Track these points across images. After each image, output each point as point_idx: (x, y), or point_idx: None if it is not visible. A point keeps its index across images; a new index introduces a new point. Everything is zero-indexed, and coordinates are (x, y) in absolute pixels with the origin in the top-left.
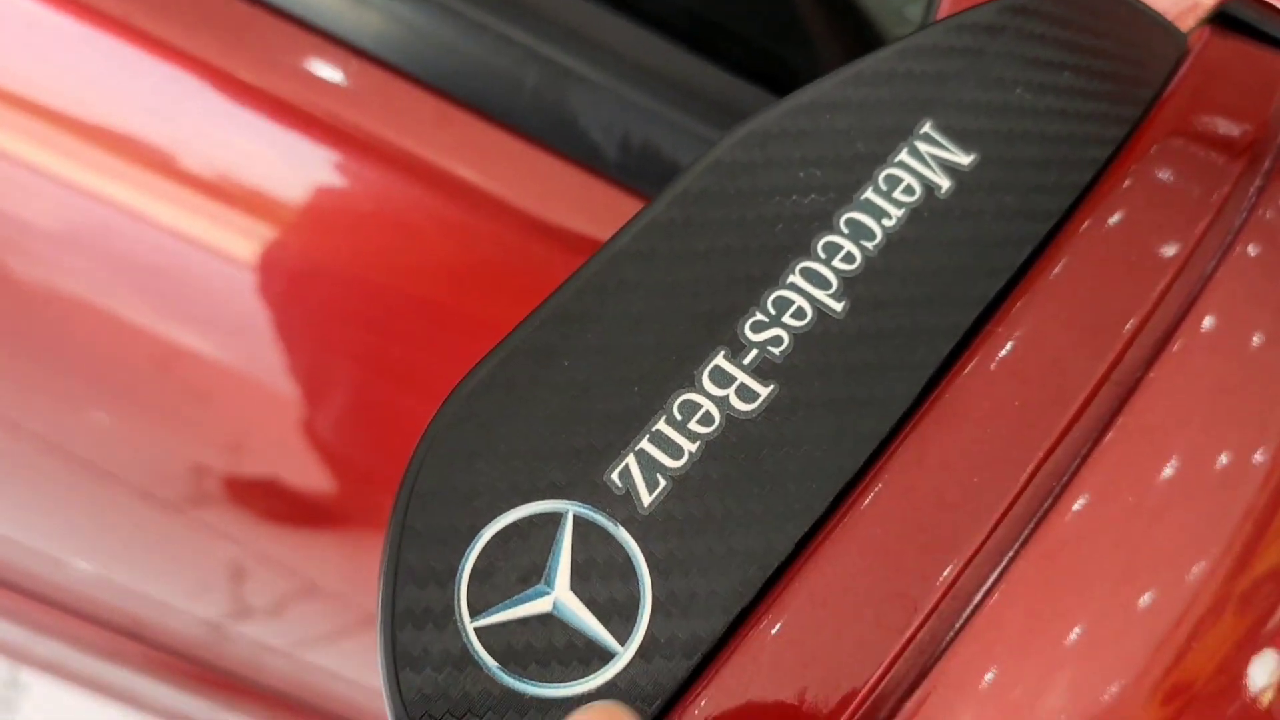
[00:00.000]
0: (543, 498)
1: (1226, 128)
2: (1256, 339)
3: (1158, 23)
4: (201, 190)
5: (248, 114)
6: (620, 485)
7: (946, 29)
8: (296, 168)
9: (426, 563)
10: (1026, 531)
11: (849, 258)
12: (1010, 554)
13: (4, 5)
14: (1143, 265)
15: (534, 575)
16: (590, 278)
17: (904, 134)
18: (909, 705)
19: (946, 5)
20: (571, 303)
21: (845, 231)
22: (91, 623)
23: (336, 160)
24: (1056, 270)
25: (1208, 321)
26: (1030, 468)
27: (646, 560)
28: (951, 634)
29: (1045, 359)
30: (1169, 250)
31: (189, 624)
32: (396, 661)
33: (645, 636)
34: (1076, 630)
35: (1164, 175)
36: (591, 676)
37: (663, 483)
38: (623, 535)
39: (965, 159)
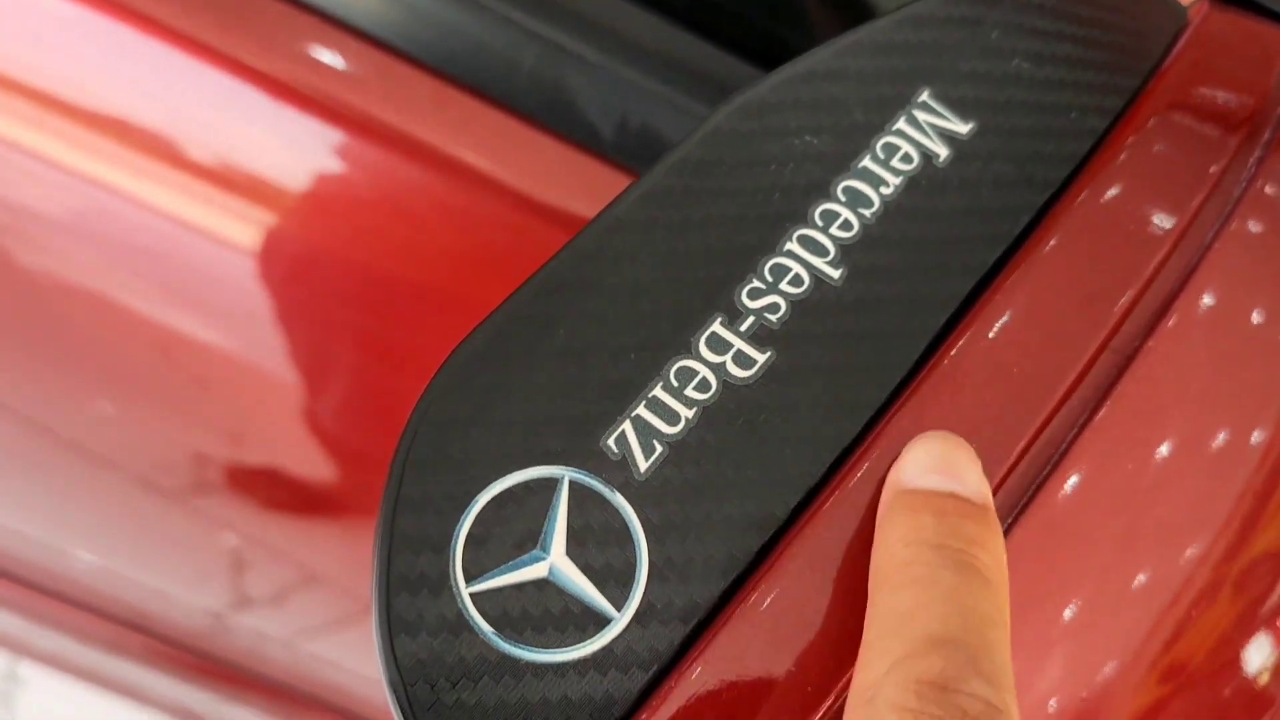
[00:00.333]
0: (538, 464)
1: (1225, 100)
2: (1254, 311)
3: None
4: (198, 173)
5: (246, 97)
6: (616, 451)
7: None
8: (295, 151)
9: (421, 529)
10: (1022, 502)
11: (846, 225)
12: (1005, 525)
13: None
14: (1141, 236)
15: (529, 541)
16: (586, 246)
17: (902, 103)
18: None
19: None
20: (567, 270)
21: (843, 199)
22: (91, 613)
23: (335, 143)
24: (1054, 240)
25: (1205, 292)
26: (1026, 437)
27: (643, 526)
28: None
29: (1042, 328)
30: (1167, 221)
31: (190, 614)
32: (392, 627)
33: (641, 602)
34: (1071, 606)
35: (1162, 147)
36: (588, 642)
37: (659, 449)
38: (619, 501)
39: (963, 128)
